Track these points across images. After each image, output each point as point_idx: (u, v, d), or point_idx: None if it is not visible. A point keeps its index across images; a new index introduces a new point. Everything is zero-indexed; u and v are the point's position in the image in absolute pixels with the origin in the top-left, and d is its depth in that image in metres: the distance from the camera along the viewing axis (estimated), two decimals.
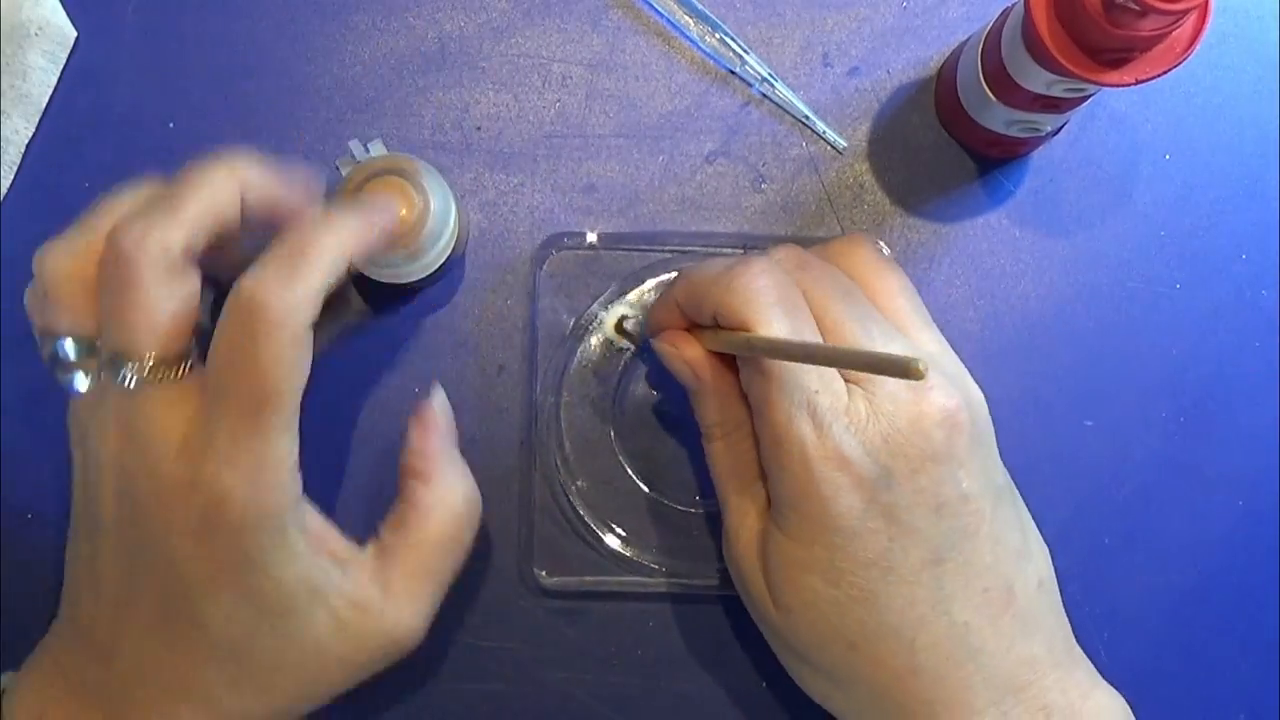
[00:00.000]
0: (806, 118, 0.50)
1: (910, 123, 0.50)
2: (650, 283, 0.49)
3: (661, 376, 0.45)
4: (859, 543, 0.38)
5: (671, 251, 0.49)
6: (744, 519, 0.42)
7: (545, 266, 0.49)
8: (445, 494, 0.42)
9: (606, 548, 0.48)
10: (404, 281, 0.46)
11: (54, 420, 0.49)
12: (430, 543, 0.42)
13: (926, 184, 0.50)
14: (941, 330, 0.43)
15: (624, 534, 0.49)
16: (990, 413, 0.41)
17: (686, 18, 0.50)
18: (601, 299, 0.49)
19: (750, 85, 0.50)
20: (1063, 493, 0.50)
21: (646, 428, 0.49)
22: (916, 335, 0.42)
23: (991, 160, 0.50)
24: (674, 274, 0.49)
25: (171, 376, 0.37)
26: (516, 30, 0.50)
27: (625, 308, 0.49)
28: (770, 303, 0.39)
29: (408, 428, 0.43)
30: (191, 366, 0.38)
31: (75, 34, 0.49)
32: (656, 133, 0.50)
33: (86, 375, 0.39)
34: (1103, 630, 0.49)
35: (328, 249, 0.37)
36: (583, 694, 0.48)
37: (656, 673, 0.49)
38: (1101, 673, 0.42)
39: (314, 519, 0.40)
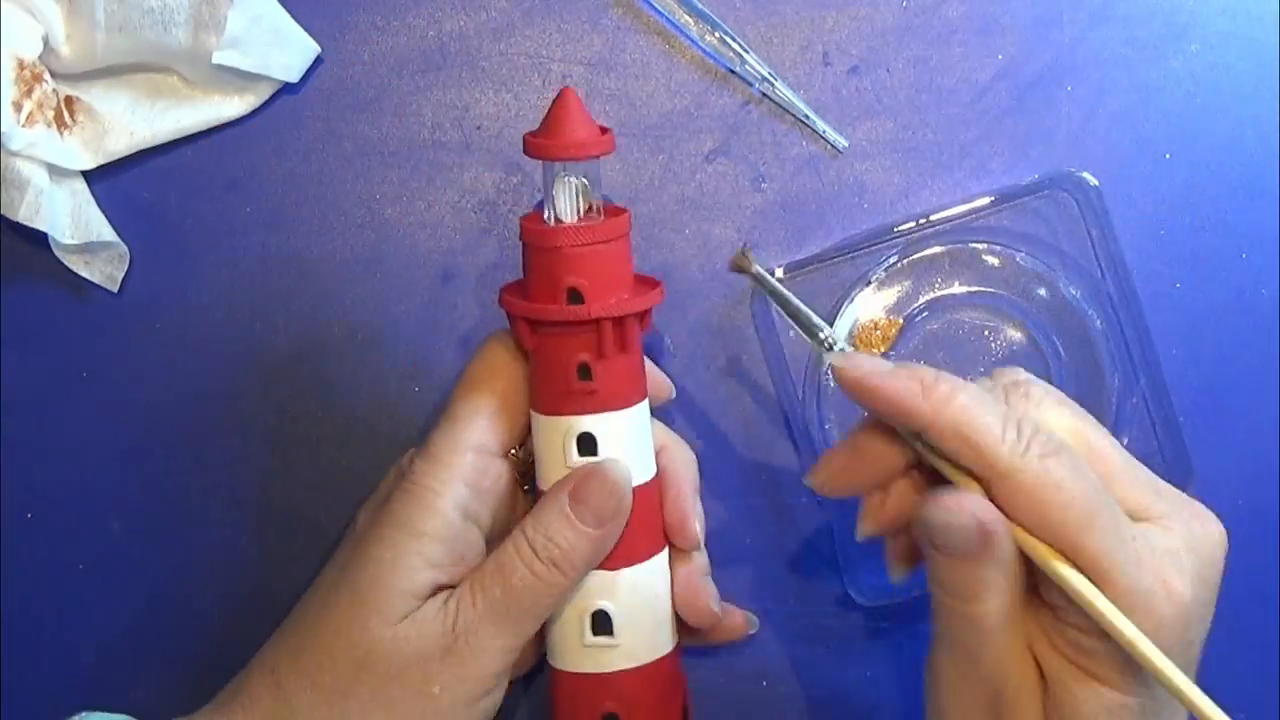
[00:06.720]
0: (806, 117, 0.50)
1: (910, 122, 0.50)
2: (865, 291, 0.49)
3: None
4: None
5: (860, 252, 0.49)
6: None
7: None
8: None
9: None
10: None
11: (54, 420, 0.49)
12: None
13: (926, 183, 0.50)
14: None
15: None
16: None
17: (686, 17, 0.50)
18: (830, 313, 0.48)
19: (750, 85, 0.50)
20: None
21: None
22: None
23: None
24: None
25: None
26: (516, 30, 0.50)
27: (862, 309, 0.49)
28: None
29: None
30: None
31: None
32: (656, 132, 0.50)
33: None
34: None
35: None
36: None
37: None
38: None
39: None
